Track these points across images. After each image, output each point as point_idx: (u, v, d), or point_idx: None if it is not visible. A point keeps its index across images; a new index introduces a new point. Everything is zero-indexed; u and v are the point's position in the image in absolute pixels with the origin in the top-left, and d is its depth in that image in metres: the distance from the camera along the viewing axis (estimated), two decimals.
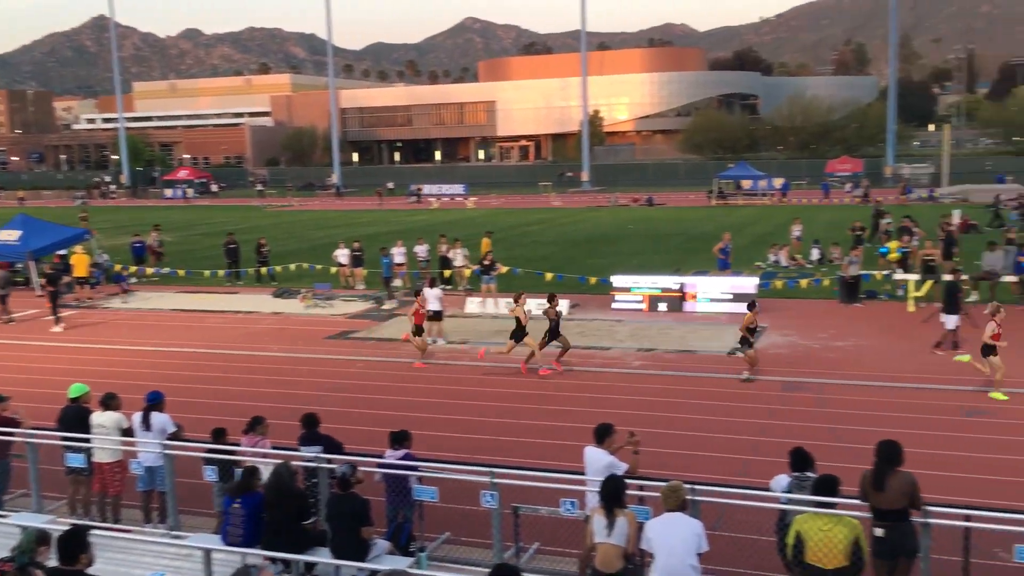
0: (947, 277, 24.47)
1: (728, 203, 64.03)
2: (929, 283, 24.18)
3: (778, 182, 67.39)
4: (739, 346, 18.12)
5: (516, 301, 19.01)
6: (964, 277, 23.93)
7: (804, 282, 26.57)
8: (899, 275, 25.96)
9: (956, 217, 36.70)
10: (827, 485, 7.57)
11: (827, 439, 13.63)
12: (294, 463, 9.34)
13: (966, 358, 16.93)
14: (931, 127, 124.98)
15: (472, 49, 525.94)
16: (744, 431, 14.55)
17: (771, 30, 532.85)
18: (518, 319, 18.42)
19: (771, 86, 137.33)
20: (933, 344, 19.54)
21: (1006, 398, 15.80)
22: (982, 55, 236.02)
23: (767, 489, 8.80)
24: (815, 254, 32.89)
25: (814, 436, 13.64)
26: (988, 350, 16.06)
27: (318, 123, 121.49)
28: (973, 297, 23.74)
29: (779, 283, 26.64)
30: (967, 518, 8.05)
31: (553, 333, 18.74)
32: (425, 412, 16.03)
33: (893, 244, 28.90)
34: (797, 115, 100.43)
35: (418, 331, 19.79)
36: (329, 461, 9.50)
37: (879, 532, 7.69)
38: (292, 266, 32.71)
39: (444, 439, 14.38)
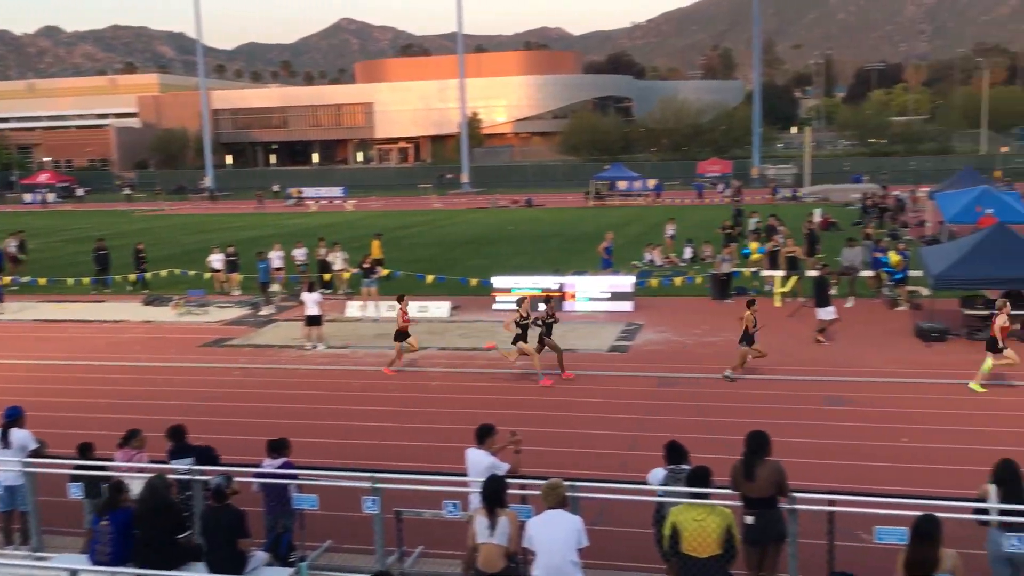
0: (812, 273, 25.64)
1: (605, 204, 65.31)
2: (794, 279, 25.28)
3: (652, 183, 69.15)
4: (741, 345, 17.66)
5: (519, 305, 18.14)
6: (818, 272, 25.09)
7: (678, 280, 27.35)
8: (766, 272, 27.04)
9: (817, 215, 38.44)
10: (700, 477, 7.82)
11: (701, 432, 14.08)
12: (168, 476, 9.03)
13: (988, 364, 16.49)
14: (794, 129, 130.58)
15: (348, 50, 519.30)
16: (623, 427, 14.87)
17: (643, 35, 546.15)
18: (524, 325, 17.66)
19: (644, 89, 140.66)
20: (816, 332, 20.53)
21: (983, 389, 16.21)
22: (840, 60, 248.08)
23: (645, 483, 9.02)
24: (688, 253, 33.90)
25: (689, 429, 14.07)
26: (993, 344, 16.39)
27: (189, 125, 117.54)
28: (832, 292, 24.90)
29: (654, 282, 27.35)
30: (831, 503, 8.45)
31: (546, 334, 18.10)
32: (306, 419, 15.76)
33: (754, 245, 30.13)
34: (669, 118, 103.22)
35: (401, 336, 18.93)
36: (203, 473, 9.22)
37: (749, 520, 8.01)
38: (164, 272, 31.60)
39: (326, 446, 14.17)
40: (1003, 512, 7.85)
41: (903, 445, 13.64)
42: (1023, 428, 14.11)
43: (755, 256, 29.13)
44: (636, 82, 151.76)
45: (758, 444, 8.22)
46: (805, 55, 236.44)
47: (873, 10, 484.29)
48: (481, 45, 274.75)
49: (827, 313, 20.51)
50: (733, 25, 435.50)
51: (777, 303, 24.89)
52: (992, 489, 8.06)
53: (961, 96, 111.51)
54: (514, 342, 17.70)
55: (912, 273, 24.08)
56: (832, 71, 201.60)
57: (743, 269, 28.32)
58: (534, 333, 18.12)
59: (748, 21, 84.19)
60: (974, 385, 16.28)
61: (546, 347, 18.14)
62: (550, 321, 18.33)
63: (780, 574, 8.30)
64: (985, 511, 7.99)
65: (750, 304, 17.99)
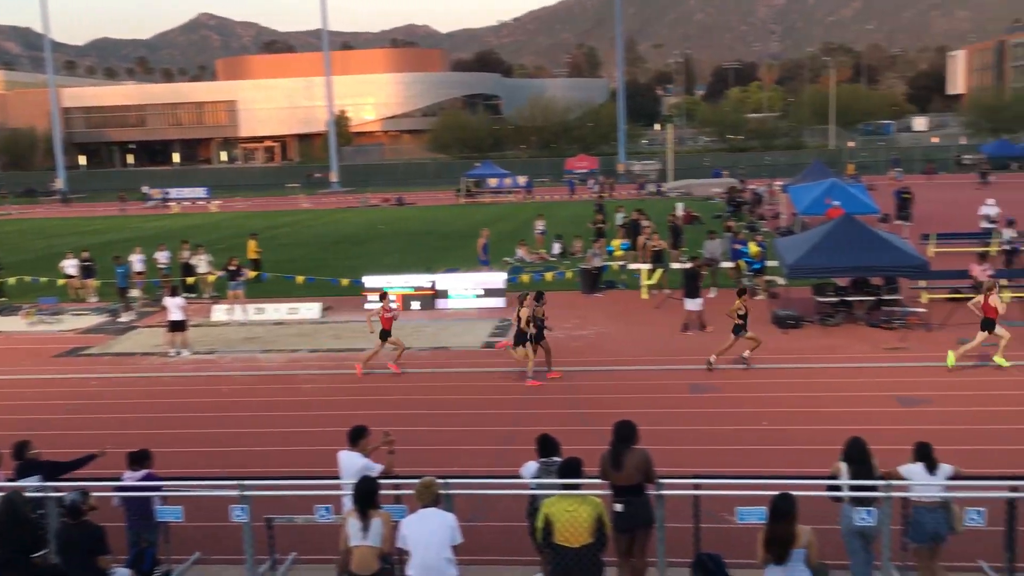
0: (676, 265, 26.48)
1: (476, 201, 65.54)
2: (659, 272, 26.01)
3: (522, 180, 69.85)
4: (735, 334, 17.66)
5: (522, 303, 17.64)
6: (689, 264, 25.93)
7: (549, 275, 27.71)
8: (633, 265, 27.72)
9: (680, 209, 39.62)
10: (570, 468, 7.96)
11: (575, 424, 14.33)
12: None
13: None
14: (657, 126, 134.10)
15: (209, 47, 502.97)
16: (498, 422, 14.98)
17: (509, 33, 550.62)
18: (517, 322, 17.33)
19: (512, 87, 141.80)
20: (682, 328, 21.20)
21: (1009, 364, 16.94)
22: (698, 60, 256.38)
23: (519, 477, 9.11)
24: (557, 248, 34.42)
25: (563, 422, 14.31)
26: (988, 324, 16.93)
27: (38, 124, 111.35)
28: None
29: (525, 277, 27.61)
30: (696, 487, 8.76)
31: (538, 335, 17.57)
32: (171, 428, 15.22)
33: (616, 243, 30.91)
34: (537, 115, 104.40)
35: (385, 335, 18.31)
36: (56, 489, 8.77)
37: (618, 507, 8.22)
38: (12, 280, 29.87)
39: (192, 455, 13.74)
40: (853, 488, 8.31)
41: (763, 428, 14.25)
42: (871, 408, 14.97)
43: (619, 253, 29.91)
44: (504, 80, 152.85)
45: (625, 434, 8.44)
46: (666, 54, 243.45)
47: (728, 11, 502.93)
48: (348, 42, 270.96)
49: (695, 304, 21.24)
50: (597, 25, 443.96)
51: (644, 296, 25.54)
52: (843, 467, 8.52)
53: (810, 94, 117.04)
54: (522, 343, 17.24)
55: (769, 263, 25.15)
56: (692, 70, 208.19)
57: (612, 263, 28.95)
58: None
59: (611, 21, 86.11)
60: (999, 359, 16.98)
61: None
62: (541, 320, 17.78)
63: (649, 559, 8.55)
64: (837, 488, 8.44)
65: (740, 293, 18.17)
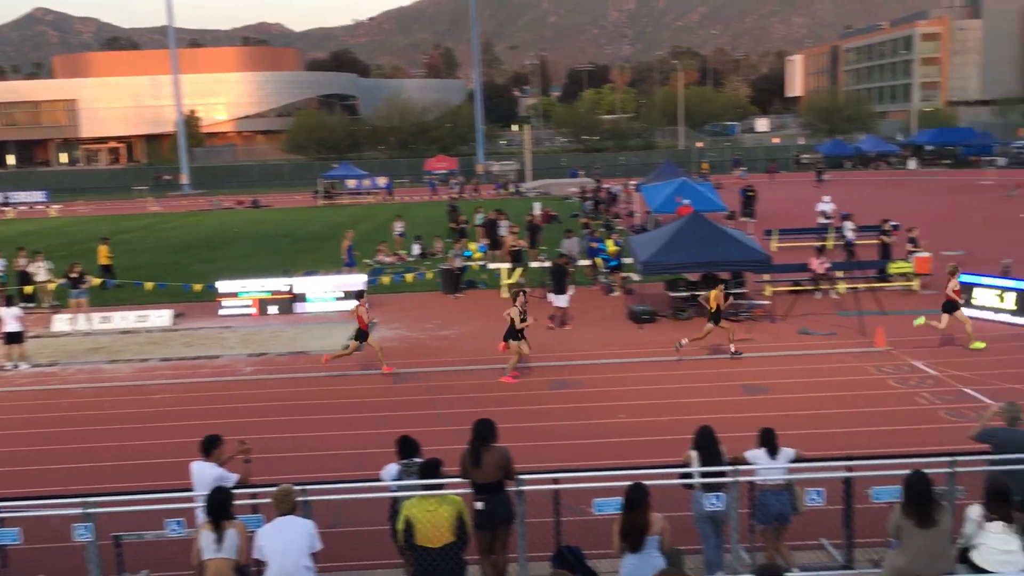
0: (535, 264, 26.87)
1: (335, 203, 64.53)
2: (519, 270, 26.32)
3: (382, 181, 69.28)
4: (711, 325, 18.27)
5: (515, 301, 17.58)
6: (557, 261, 26.35)
7: (409, 276, 27.60)
8: (493, 264, 27.95)
9: (537, 209, 40.19)
10: (429, 468, 7.95)
11: (437, 424, 14.33)
12: None
13: (921, 320, 18.71)
14: (514, 127, 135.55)
15: (45, 43, 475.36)
16: (360, 426, 14.81)
17: (365, 33, 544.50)
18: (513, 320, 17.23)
19: (369, 87, 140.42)
20: (555, 324, 21.54)
21: (984, 345, 18.07)
22: (553, 61, 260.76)
23: (380, 480, 9.02)
24: (417, 249, 34.32)
25: (425, 423, 14.28)
26: (951, 306, 18.14)
27: None
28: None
29: (386, 279, 27.40)
30: (556, 481, 8.91)
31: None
32: (6, 447, 14.32)
33: (472, 246, 31.18)
34: (395, 116, 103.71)
35: (361, 336, 17.94)
36: None
37: (479, 505, 8.27)
38: None
39: (32, 473, 12.98)
40: (703, 475, 8.65)
41: (621, 421, 14.63)
42: (720, 397, 15.61)
43: (477, 255, 30.16)
44: (361, 80, 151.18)
45: (484, 432, 8.50)
46: (521, 56, 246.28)
47: (581, 14, 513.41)
48: (196, 40, 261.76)
49: (562, 300, 21.66)
50: (453, 26, 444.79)
51: (504, 295, 25.76)
52: (694, 455, 8.85)
53: (661, 96, 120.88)
54: (517, 337, 17.22)
55: (625, 260, 25.84)
56: (547, 71, 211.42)
57: (472, 263, 29.10)
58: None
59: (467, 22, 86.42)
60: (977, 344, 18.16)
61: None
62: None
63: (510, 555, 8.64)
64: (689, 475, 8.77)
65: (718, 284, 18.71)
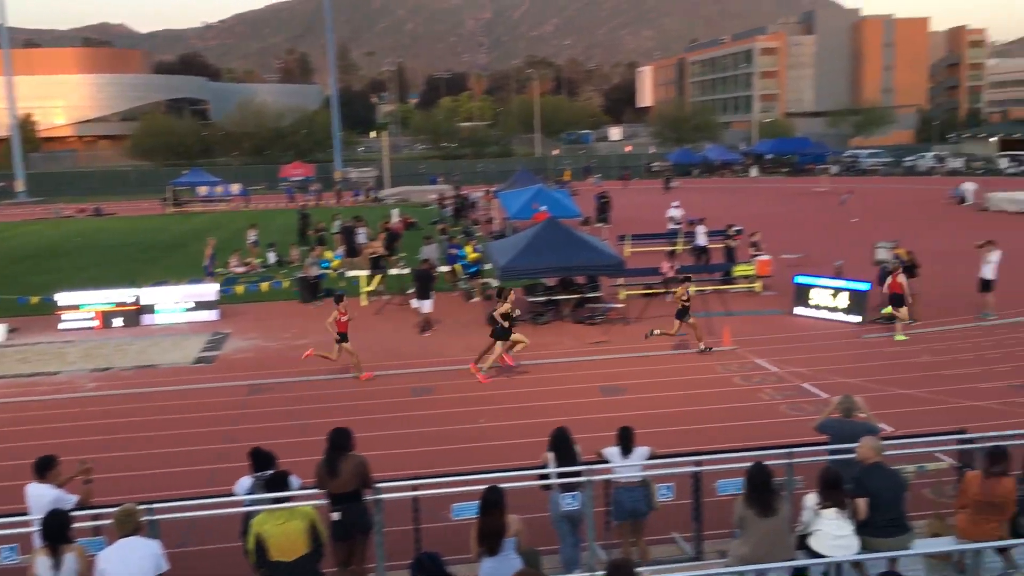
0: (395, 271, 26.70)
1: (185, 210, 62.21)
2: (378, 277, 26.12)
3: (235, 188, 67.27)
4: (676, 320, 18.87)
5: (506, 299, 17.63)
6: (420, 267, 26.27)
7: (264, 285, 26.95)
8: (351, 272, 27.62)
9: (396, 216, 40.04)
10: (277, 482, 7.77)
11: (296, 435, 14.04)
12: None
13: (888, 310, 20.26)
14: (372, 134, 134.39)
15: None
16: (211, 440, 14.34)
17: (216, 35, 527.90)
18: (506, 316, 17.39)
19: (220, 91, 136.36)
20: (420, 329, 21.52)
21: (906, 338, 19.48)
22: (411, 68, 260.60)
23: (233, 495, 8.76)
24: (272, 257, 33.53)
25: (283, 434, 13.98)
26: (898, 300, 19.62)
27: None
28: (412, 288, 25.99)
29: (240, 288, 26.65)
30: (415, 488, 8.88)
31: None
32: None
33: (328, 254, 30.79)
34: (248, 121, 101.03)
35: (342, 339, 17.43)
36: None
37: (335, 516, 8.15)
38: None
39: None
40: (559, 475, 8.81)
41: (481, 426, 14.73)
42: (579, 399, 15.95)
43: (335, 263, 29.76)
44: (211, 84, 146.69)
45: (340, 441, 8.40)
46: (378, 62, 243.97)
47: (438, 22, 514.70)
48: (32, 39, 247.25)
49: (427, 305, 21.65)
50: (308, 30, 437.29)
51: (364, 302, 25.52)
52: (550, 456, 9.01)
53: (517, 104, 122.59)
54: (503, 336, 17.49)
55: (484, 267, 26.02)
56: (404, 78, 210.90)
57: (330, 271, 28.66)
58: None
59: (322, 26, 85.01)
60: (899, 336, 19.67)
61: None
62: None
63: (368, 564, 8.56)
64: (546, 476, 8.91)
65: (685, 280, 19.49)
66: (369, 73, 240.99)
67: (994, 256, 21.07)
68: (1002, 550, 7.89)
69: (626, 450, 9.19)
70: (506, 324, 17.45)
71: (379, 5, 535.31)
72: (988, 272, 21.07)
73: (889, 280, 20.11)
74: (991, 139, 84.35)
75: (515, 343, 17.80)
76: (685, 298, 18.95)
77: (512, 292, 18.40)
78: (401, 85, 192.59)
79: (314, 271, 26.74)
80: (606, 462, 9.16)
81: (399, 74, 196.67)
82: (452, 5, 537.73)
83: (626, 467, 9.12)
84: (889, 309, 20.25)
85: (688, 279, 19.90)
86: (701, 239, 29.28)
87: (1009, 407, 14.65)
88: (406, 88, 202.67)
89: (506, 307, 17.51)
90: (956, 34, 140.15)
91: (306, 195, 65.62)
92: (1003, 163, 70.00)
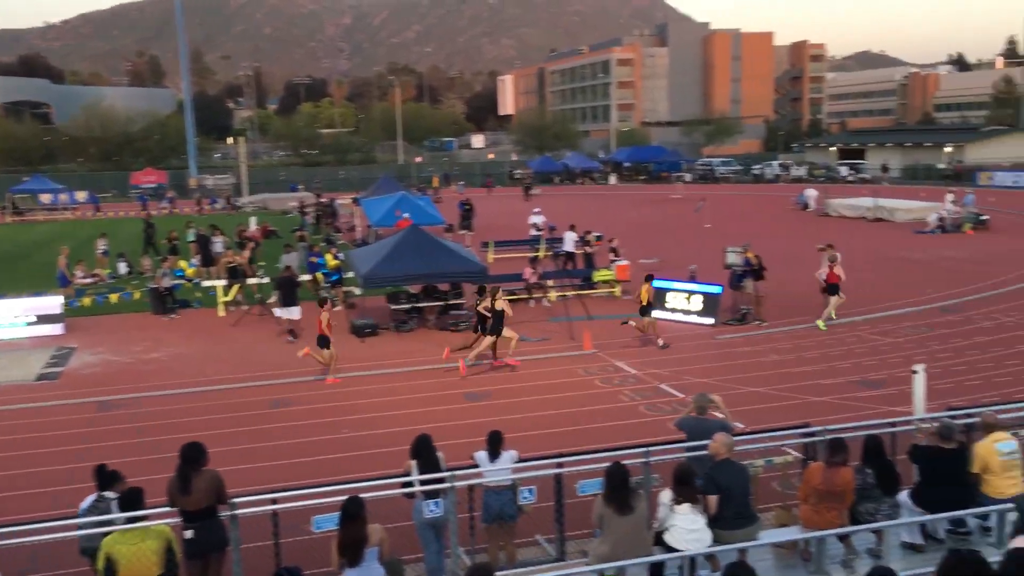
0: (253, 280, 26.00)
1: (27, 219, 58.74)
2: (236, 287, 25.38)
3: (81, 195, 64.09)
4: (637, 315, 20.06)
5: (494, 296, 18.24)
6: (266, 279, 25.66)
7: (114, 297, 25.76)
8: (207, 282, 26.75)
9: (253, 224, 39.01)
10: (129, 500, 7.45)
11: (148, 452, 13.48)
12: None
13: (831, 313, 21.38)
14: (229, 140, 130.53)
15: None
16: (56, 461, 13.58)
17: (59, 36, 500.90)
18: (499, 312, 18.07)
19: (64, 94, 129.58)
20: (288, 337, 21.17)
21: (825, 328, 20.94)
22: (269, 73, 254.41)
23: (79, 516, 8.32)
24: (122, 268, 32.09)
25: (133, 452, 13.41)
26: (833, 289, 21.22)
27: None
28: (273, 297, 25.28)
29: (87, 300, 25.38)
30: (274, 501, 8.65)
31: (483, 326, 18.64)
32: None
33: (183, 263, 29.78)
34: (95, 126, 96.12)
35: (324, 343, 17.56)
36: None
37: (189, 534, 7.85)
38: None
39: None
40: (422, 482, 8.79)
41: (344, 436, 14.52)
42: (444, 406, 15.95)
43: (189, 272, 28.77)
44: (54, 86, 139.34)
45: (192, 456, 8.09)
46: (235, 66, 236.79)
47: (296, 27, 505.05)
48: None
49: (293, 313, 21.20)
50: (159, 32, 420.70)
51: (221, 313, 24.76)
52: (413, 463, 8.97)
53: (379, 111, 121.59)
54: (489, 332, 18.18)
55: (346, 275, 25.68)
56: (262, 83, 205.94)
57: (185, 281, 27.67)
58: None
59: (174, 29, 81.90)
60: (820, 323, 21.26)
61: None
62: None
63: None
64: (409, 484, 8.87)
65: (648, 278, 20.33)
66: (225, 77, 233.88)
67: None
68: (843, 537, 8.35)
69: (494, 454, 9.27)
70: (490, 317, 18.20)
71: (235, 8, 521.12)
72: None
73: (827, 272, 21.69)
74: (831, 148, 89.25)
75: (499, 341, 18.40)
76: (649, 296, 20.08)
77: (500, 288, 19.20)
78: (259, 90, 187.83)
79: (166, 281, 25.71)
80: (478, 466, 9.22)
81: (257, 79, 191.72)
82: (311, 10, 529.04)
83: (494, 471, 9.19)
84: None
85: (650, 277, 20.81)
86: (569, 245, 29.80)
87: (849, 401, 15.54)
88: (264, 93, 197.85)
89: (502, 301, 18.29)
90: (798, 48, 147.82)
91: (160, 203, 63.16)
92: (843, 171, 74.22)
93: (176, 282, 26.50)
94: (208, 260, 29.66)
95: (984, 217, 40.34)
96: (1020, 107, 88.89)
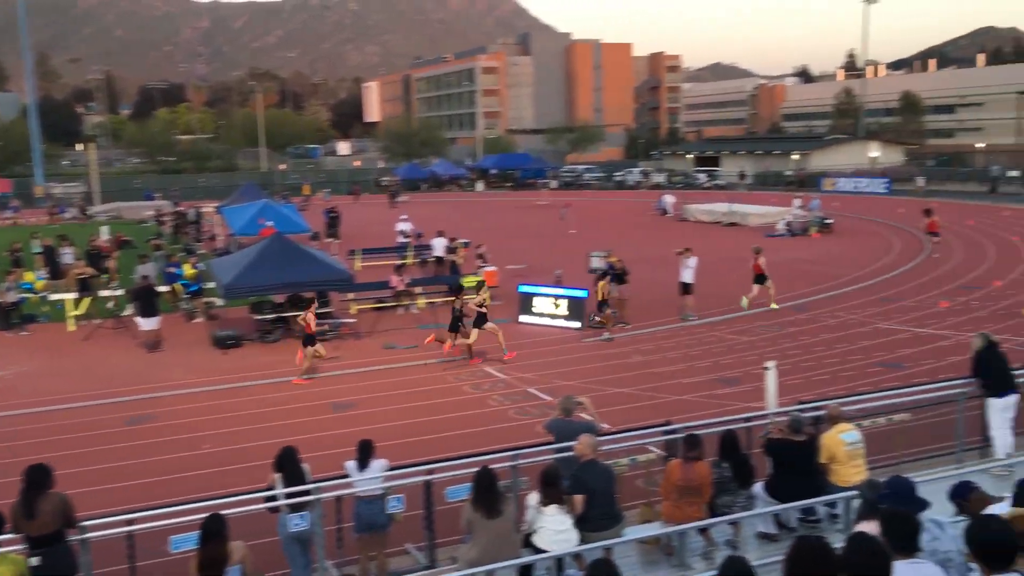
0: (106, 292, 24.88)
1: None
2: (87, 300, 24.22)
3: None
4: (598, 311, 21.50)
5: (478, 292, 19.50)
6: (121, 291, 24.61)
7: None
8: (56, 295, 25.42)
9: (105, 234, 37.34)
10: None
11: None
12: None
13: (745, 302, 23.10)
14: (79, 146, 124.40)
15: None
16: None
17: None
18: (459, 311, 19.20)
19: None
20: (147, 348, 20.40)
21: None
22: (122, 77, 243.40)
23: None
24: None
25: None
26: (761, 279, 23.01)
27: None
28: (128, 311, 24.23)
29: None
30: (129, 523, 8.29)
31: (454, 325, 19.49)
32: None
33: (30, 276, 28.27)
34: None
35: (309, 341, 17.95)
36: None
37: (34, 561, 7.42)
38: None
39: None
40: (287, 496, 8.59)
41: (206, 452, 14.04)
42: (311, 417, 15.66)
43: (38, 285, 27.27)
44: None
45: (37, 478, 7.66)
46: (84, 70, 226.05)
47: (151, 30, 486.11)
48: None
49: (152, 323, 20.41)
50: (1, 33, 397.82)
51: (71, 327, 23.56)
52: (277, 477, 8.77)
53: (241, 117, 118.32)
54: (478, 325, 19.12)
55: (208, 285, 24.86)
56: (115, 88, 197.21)
57: (31, 295, 26.17)
58: None
59: (17, 29, 77.46)
60: (744, 301, 23.30)
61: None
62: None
63: None
64: (273, 498, 8.66)
65: (601, 277, 21.64)
66: (73, 81, 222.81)
67: (692, 261, 23.08)
68: (703, 530, 8.64)
69: (363, 463, 9.16)
70: (484, 311, 19.12)
71: (84, 9, 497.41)
72: (687, 276, 23.05)
73: (753, 263, 23.34)
74: (688, 156, 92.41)
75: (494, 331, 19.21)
76: (604, 293, 21.34)
77: (484, 286, 20.10)
78: (111, 95, 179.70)
79: (11, 296, 24.26)
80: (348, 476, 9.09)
81: (108, 83, 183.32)
82: (165, 12, 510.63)
83: (363, 480, 9.08)
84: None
85: (606, 275, 22.03)
86: (439, 250, 29.75)
87: (708, 399, 16.11)
88: (116, 98, 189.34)
89: (484, 295, 19.27)
90: (656, 59, 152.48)
91: (3, 212, 59.53)
92: (701, 178, 76.96)
93: (22, 295, 25.05)
94: (56, 272, 28.18)
95: (829, 221, 42.57)
96: (859, 117, 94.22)
